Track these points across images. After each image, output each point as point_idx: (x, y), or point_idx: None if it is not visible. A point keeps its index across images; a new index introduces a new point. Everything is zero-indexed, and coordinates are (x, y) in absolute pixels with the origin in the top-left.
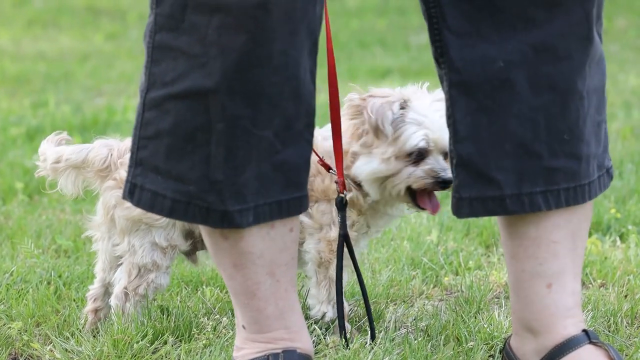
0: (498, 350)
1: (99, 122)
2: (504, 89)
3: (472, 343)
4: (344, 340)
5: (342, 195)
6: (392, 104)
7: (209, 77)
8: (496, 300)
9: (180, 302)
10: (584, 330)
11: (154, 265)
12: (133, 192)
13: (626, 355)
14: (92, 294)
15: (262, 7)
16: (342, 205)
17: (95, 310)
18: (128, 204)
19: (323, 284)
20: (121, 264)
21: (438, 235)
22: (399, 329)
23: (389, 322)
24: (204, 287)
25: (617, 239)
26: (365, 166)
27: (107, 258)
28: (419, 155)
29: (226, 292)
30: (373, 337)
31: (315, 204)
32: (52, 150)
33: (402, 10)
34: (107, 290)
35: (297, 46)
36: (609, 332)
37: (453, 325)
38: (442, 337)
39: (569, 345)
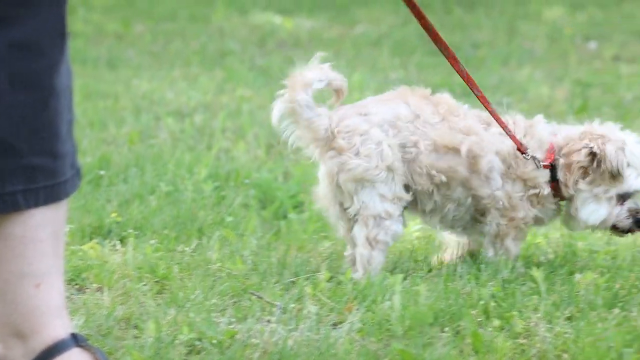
0: None
1: None
2: None
3: None
4: None
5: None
6: (623, 150)
7: None
8: None
9: None
10: (73, 334)
11: (386, 213)
12: None
13: (115, 358)
14: (351, 259)
15: None
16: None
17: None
18: (349, 166)
19: (500, 252)
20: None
21: None
22: None
23: None
24: None
25: (118, 243)
26: (596, 214)
27: (344, 222)
28: (624, 197)
29: None
30: None
31: (512, 183)
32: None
33: None
34: None
35: None
36: (100, 335)
37: None
38: None
39: (57, 348)
